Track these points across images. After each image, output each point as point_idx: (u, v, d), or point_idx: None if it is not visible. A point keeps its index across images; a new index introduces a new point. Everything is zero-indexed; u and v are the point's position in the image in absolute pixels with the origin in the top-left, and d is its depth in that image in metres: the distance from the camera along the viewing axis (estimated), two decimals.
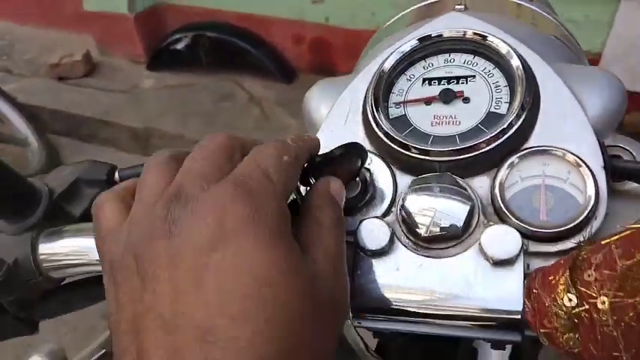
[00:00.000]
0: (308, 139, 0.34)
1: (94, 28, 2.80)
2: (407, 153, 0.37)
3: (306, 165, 0.34)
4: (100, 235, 0.28)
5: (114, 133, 2.42)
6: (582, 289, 0.28)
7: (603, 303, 0.27)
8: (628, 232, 0.29)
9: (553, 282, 0.29)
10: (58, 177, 0.36)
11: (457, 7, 0.45)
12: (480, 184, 0.35)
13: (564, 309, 0.29)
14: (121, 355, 0.24)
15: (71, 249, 0.32)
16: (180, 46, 2.61)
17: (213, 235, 0.24)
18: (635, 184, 0.37)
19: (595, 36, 2.03)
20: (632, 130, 1.99)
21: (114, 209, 0.28)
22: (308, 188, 0.35)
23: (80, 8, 2.75)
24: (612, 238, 0.29)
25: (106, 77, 2.69)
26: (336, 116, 0.41)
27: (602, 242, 0.30)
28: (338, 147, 0.34)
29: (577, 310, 0.28)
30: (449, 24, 0.41)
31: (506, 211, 0.33)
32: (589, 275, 0.28)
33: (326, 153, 0.34)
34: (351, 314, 0.34)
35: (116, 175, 0.39)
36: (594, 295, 0.28)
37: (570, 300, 0.28)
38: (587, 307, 0.28)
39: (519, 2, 0.54)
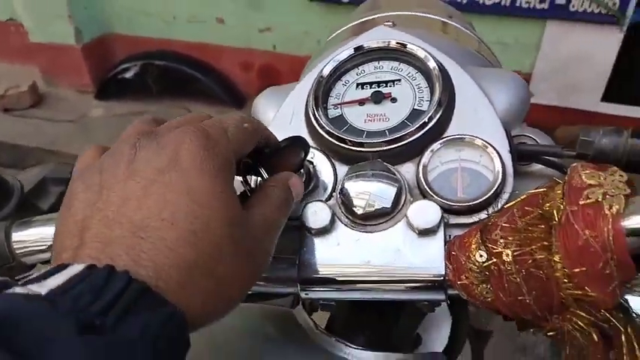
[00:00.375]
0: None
1: (41, 60, 2.78)
2: (344, 146, 0.42)
3: (255, 156, 0.39)
4: (77, 168, 0.33)
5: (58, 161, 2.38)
6: (490, 246, 0.34)
7: (507, 255, 0.33)
8: (525, 196, 0.35)
9: (467, 244, 0.35)
10: (28, 175, 0.39)
11: (386, 23, 0.51)
12: (406, 170, 0.41)
13: (477, 264, 0.34)
14: (60, 251, 0.28)
15: (41, 236, 0.36)
16: (128, 75, 2.62)
17: (169, 160, 0.29)
18: (540, 166, 0.43)
19: (525, 57, 2.19)
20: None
21: (93, 151, 0.34)
22: (259, 179, 0.39)
23: (26, 40, 2.73)
24: (513, 202, 0.35)
25: (53, 108, 2.66)
26: (282, 118, 0.46)
27: (506, 207, 0.35)
28: (284, 139, 0.39)
29: (487, 263, 0.33)
30: (377, 36, 0.47)
31: (429, 190, 0.39)
32: (496, 235, 0.34)
33: (270, 148, 0.39)
34: (299, 287, 0.39)
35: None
36: (500, 250, 0.33)
37: (481, 256, 0.34)
38: (494, 260, 0.33)
39: (444, 21, 0.61)
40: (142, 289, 0.25)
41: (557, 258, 0.31)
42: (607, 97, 2.16)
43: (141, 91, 2.61)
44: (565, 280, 0.31)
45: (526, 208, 0.33)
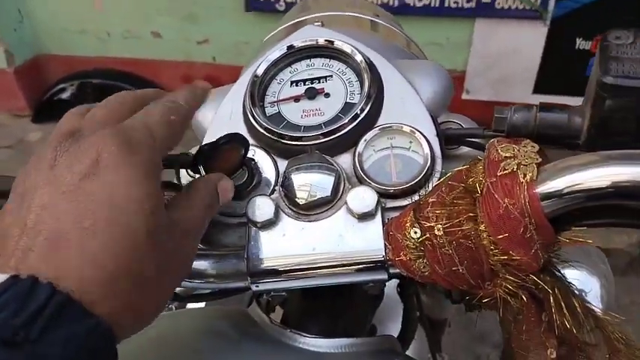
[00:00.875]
0: (200, 94, 0.39)
1: None
2: (283, 142, 0.43)
3: (195, 154, 0.40)
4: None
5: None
6: (423, 222, 0.36)
7: (439, 229, 0.35)
8: (450, 174, 0.37)
9: (402, 223, 0.37)
10: None
11: (315, 23, 0.54)
12: (343, 160, 0.43)
13: (412, 241, 0.36)
14: None
15: None
16: (65, 95, 2.55)
17: (90, 166, 0.29)
18: (466, 149, 0.46)
19: (457, 55, 2.27)
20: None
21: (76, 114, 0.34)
22: (197, 176, 0.40)
23: None
24: (440, 181, 0.38)
25: None
26: (221, 118, 0.47)
27: (435, 185, 0.38)
28: (222, 136, 0.40)
29: (421, 238, 0.36)
30: (306, 35, 0.49)
31: (365, 177, 0.41)
32: (427, 212, 0.36)
33: (212, 142, 0.40)
34: (249, 280, 0.40)
35: None
36: (432, 224, 0.35)
37: (415, 232, 0.36)
38: (428, 235, 0.35)
39: (372, 19, 0.63)
40: (65, 301, 0.25)
41: (482, 227, 0.33)
42: (538, 88, 2.27)
43: None
44: (492, 248, 0.33)
45: (452, 184, 0.36)
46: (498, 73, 2.24)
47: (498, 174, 0.33)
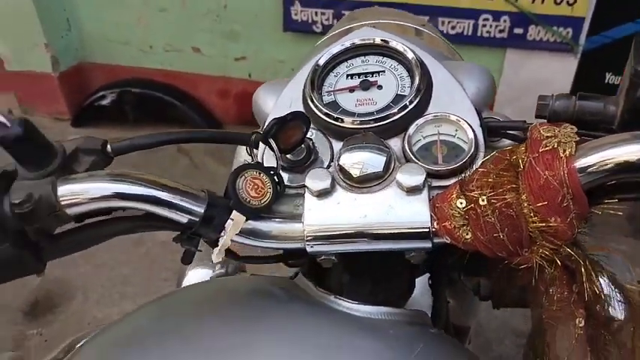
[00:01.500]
0: None
1: (17, 88, 2.80)
2: (340, 124, 0.48)
3: (266, 131, 0.45)
4: None
5: None
6: (468, 194, 0.40)
7: (483, 200, 0.39)
8: (495, 153, 0.42)
9: (449, 195, 0.41)
10: (63, 145, 0.44)
11: (369, 26, 0.59)
12: (394, 144, 0.47)
13: (458, 210, 0.40)
14: None
15: (84, 189, 0.40)
16: (105, 102, 2.66)
17: None
18: (507, 141, 0.50)
19: None
20: None
21: None
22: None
23: (2, 69, 2.75)
24: (486, 159, 0.42)
25: None
26: (282, 104, 0.52)
27: (481, 162, 0.42)
28: (288, 114, 0.45)
29: (466, 208, 0.40)
30: (363, 35, 0.54)
31: (414, 158, 0.45)
32: (472, 185, 0.40)
33: (280, 117, 0.45)
34: (305, 242, 0.44)
35: (108, 147, 0.47)
36: (476, 196, 0.39)
37: (461, 203, 0.40)
38: (472, 205, 0.40)
39: (418, 28, 0.69)
40: None
41: (524, 197, 0.37)
42: None
43: (117, 119, 2.65)
44: (531, 215, 0.37)
45: (497, 157, 0.40)
46: (527, 102, 2.27)
47: (540, 150, 0.37)
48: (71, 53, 2.76)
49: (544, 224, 0.37)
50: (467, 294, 0.84)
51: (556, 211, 0.36)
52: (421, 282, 0.70)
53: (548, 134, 0.37)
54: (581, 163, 0.36)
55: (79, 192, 0.40)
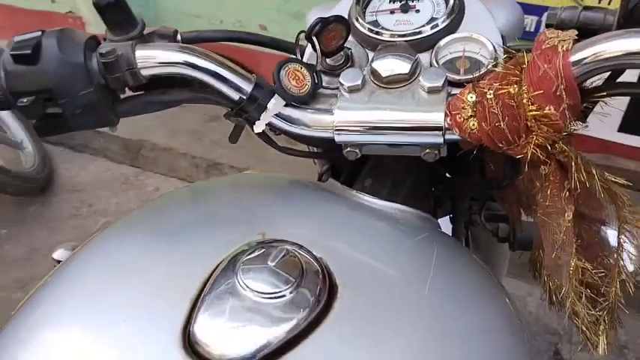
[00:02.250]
0: None
1: None
2: (379, 38, 0.55)
3: (310, 29, 0.52)
4: None
5: (105, 144, 2.56)
6: (478, 89, 0.46)
7: (490, 94, 0.45)
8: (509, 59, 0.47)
9: (462, 93, 0.47)
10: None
11: None
12: (424, 57, 0.53)
13: (469, 103, 0.46)
14: None
15: (156, 54, 0.49)
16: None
17: None
18: None
19: None
20: None
21: None
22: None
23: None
24: (500, 61, 0.47)
25: None
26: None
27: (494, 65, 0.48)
28: (331, 16, 0.52)
29: (475, 100, 0.45)
30: None
31: (440, 68, 0.51)
32: (483, 83, 0.46)
33: (324, 18, 0.52)
34: (334, 130, 0.51)
35: (178, 35, 0.56)
36: (485, 91, 0.45)
37: (472, 97, 0.46)
38: (480, 99, 0.45)
39: None
40: None
41: (524, 88, 0.43)
42: (623, 127, 2.25)
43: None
44: (529, 104, 0.43)
45: (508, 62, 0.46)
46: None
47: (542, 47, 0.42)
48: (146, 22, 2.92)
49: (540, 112, 0.42)
50: (489, 243, 0.89)
51: (551, 100, 0.42)
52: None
53: (552, 35, 0.43)
54: (576, 57, 0.41)
55: (152, 56, 0.49)
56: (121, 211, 2.30)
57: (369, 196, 0.56)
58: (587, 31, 0.43)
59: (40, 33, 0.47)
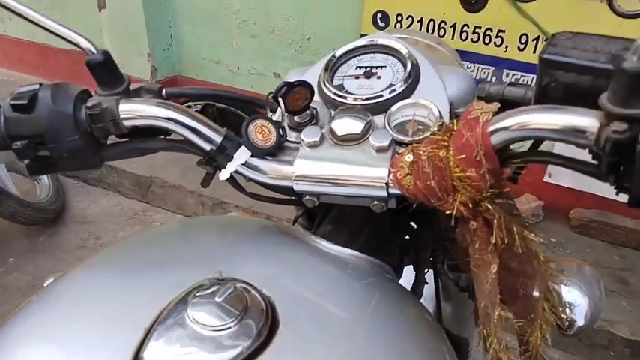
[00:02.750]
0: None
1: None
2: (342, 100, 0.61)
3: (276, 90, 0.58)
4: None
5: (119, 179, 2.65)
6: (416, 151, 0.51)
7: (424, 155, 0.51)
8: (445, 126, 0.53)
9: (403, 154, 0.53)
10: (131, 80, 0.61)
11: (384, 32, 0.72)
12: (379, 119, 0.60)
13: (407, 163, 0.52)
14: None
15: (138, 108, 0.56)
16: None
17: None
18: None
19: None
20: (576, 224, 2.25)
21: None
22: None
23: None
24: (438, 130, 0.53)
25: None
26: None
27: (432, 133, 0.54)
28: (296, 80, 0.59)
29: (412, 161, 0.51)
30: (374, 38, 0.68)
31: (391, 131, 0.57)
32: (419, 146, 0.52)
33: (288, 81, 0.58)
34: (294, 180, 0.57)
35: (164, 91, 0.63)
36: (420, 153, 0.51)
37: (409, 158, 0.52)
38: (416, 159, 0.51)
39: (430, 43, 0.81)
40: None
41: (451, 152, 0.48)
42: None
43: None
44: (454, 167, 0.48)
45: (444, 130, 0.52)
46: None
47: (468, 117, 0.48)
48: (169, 66, 3.09)
49: (463, 174, 0.48)
50: (460, 299, 0.93)
51: (472, 164, 0.47)
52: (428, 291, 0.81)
53: (477, 107, 0.48)
54: (493, 127, 0.46)
55: (134, 109, 0.56)
56: None
57: (326, 241, 0.61)
58: (510, 104, 0.49)
59: (37, 86, 0.54)
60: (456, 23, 2.28)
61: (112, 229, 2.48)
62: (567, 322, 0.72)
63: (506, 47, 2.22)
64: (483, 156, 0.47)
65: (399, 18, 2.40)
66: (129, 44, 2.95)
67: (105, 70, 0.56)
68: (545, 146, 0.51)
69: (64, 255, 2.31)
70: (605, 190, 2.08)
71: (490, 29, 2.22)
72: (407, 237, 0.75)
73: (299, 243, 0.61)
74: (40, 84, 0.55)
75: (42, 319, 0.50)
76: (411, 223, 0.75)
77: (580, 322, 0.72)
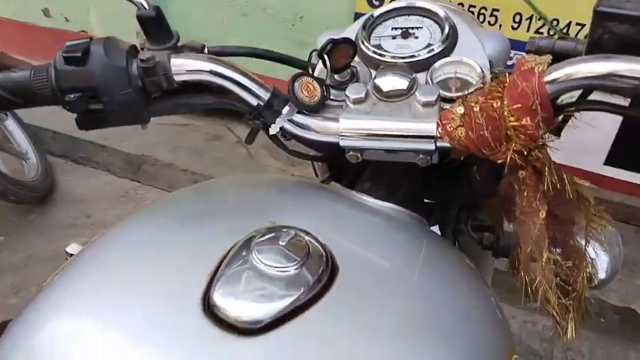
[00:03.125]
0: None
1: None
2: (382, 59, 0.62)
3: (322, 47, 0.59)
4: None
5: (108, 158, 2.62)
6: (467, 103, 0.53)
7: (476, 107, 0.52)
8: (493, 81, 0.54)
9: (452, 107, 0.54)
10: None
11: None
12: (421, 76, 0.61)
13: (458, 115, 0.53)
14: None
15: (188, 63, 0.56)
16: None
17: None
18: None
19: None
20: None
21: None
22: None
23: None
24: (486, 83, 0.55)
25: None
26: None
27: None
28: (340, 37, 0.59)
29: (464, 113, 0.53)
30: (411, 1, 0.68)
31: (434, 87, 0.59)
32: (470, 98, 0.53)
33: (334, 39, 0.59)
34: (339, 135, 0.58)
35: (205, 49, 0.63)
36: (472, 104, 0.52)
37: (460, 110, 0.53)
38: (468, 111, 0.52)
39: (458, 9, 0.83)
40: None
41: (505, 102, 0.50)
42: (609, 161, 2.34)
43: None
44: (509, 116, 0.50)
45: (491, 82, 0.53)
46: (573, 138, 2.33)
47: (522, 68, 0.50)
48: None
49: (518, 123, 0.49)
50: (475, 252, 0.95)
51: (527, 113, 0.49)
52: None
53: (530, 59, 0.50)
54: (549, 77, 0.48)
55: (185, 64, 0.56)
56: None
57: (367, 196, 0.62)
58: (560, 57, 0.51)
59: (89, 40, 0.54)
60: (451, 1, 2.29)
61: (102, 207, 2.45)
62: (588, 276, 0.75)
63: (500, 26, 2.24)
64: (539, 104, 0.48)
65: None
66: (118, 22, 2.89)
67: (155, 24, 0.56)
68: None
69: (55, 233, 2.29)
70: (594, 166, 2.13)
71: (485, 7, 2.23)
72: (436, 196, 0.77)
73: (342, 198, 0.62)
74: (91, 38, 0.55)
75: (101, 274, 0.51)
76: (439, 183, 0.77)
77: (602, 275, 0.76)
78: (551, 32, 2.24)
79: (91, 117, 0.55)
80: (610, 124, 2.22)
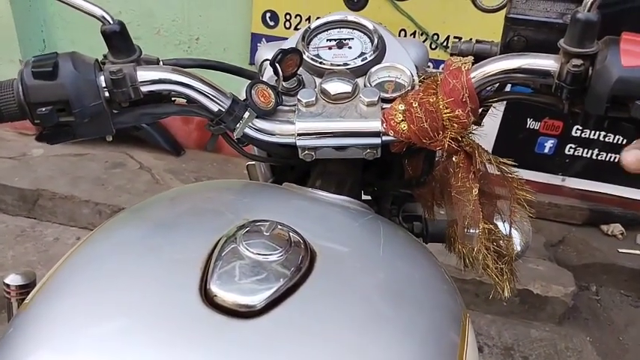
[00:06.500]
0: None
1: None
2: (322, 67, 0.70)
3: (273, 57, 0.65)
4: None
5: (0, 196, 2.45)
6: (406, 100, 0.62)
7: (415, 103, 0.61)
8: (425, 81, 0.64)
9: (393, 105, 0.63)
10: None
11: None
12: (360, 81, 0.69)
13: (399, 111, 0.62)
14: None
15: (154, 74, 0.59)
16: None
17: None
18: None
19: None
20: None
21: None
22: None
23: None
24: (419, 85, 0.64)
25: None
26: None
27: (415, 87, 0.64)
28: (289, 47, 0.66)
29: (404, 109, 0.61)
30: (345, 15, 0.77)
31: (374, 89, 0.67)
32: (408, 96, 0.62)
33: (283, 49, 0.65)
34: (296, 136, 0.64)
35: (161, 62, 0.67)
36: (411, 101, 0.61)
37: (401, 106, 0.62)
38: (408, 107, 0.61)
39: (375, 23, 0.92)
40: None
41: (440, 97, 0.59)
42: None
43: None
44: (444, 108, 0.59)
45: (425, 83, 0.62)
46: None
47: (450, 68, 0.59)
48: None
49: (452, 114, 0.59)
50: None
51: (459, 105, 0.58)
52: None
53: (456, 60, 0.60)
54: (474, 74, 0.58)
55: (151, 75, 0.60)
56: (19, 263, 2.20)
57: (322, 191, 0.69)
58: (480, 58, 0.61)
59: (55, 54, 0.56)
60: None
61: None
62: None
63: None
64: (468, 97, 0.58)
65: (288, 17, 2.51)
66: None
67: (120, 38, 0.59)
68: None
69: None
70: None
71: None
72: (371, 191, 0.85)
73: (301, 195, 0.68)
74: (56, 53, 0.56)
75: (97, 276, 0.52)
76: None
77: (517, 248, 0.88)
78: (433, 46, 2.47)
79: (58, 130, 0.57)
80: (492, 121, 2.47)
